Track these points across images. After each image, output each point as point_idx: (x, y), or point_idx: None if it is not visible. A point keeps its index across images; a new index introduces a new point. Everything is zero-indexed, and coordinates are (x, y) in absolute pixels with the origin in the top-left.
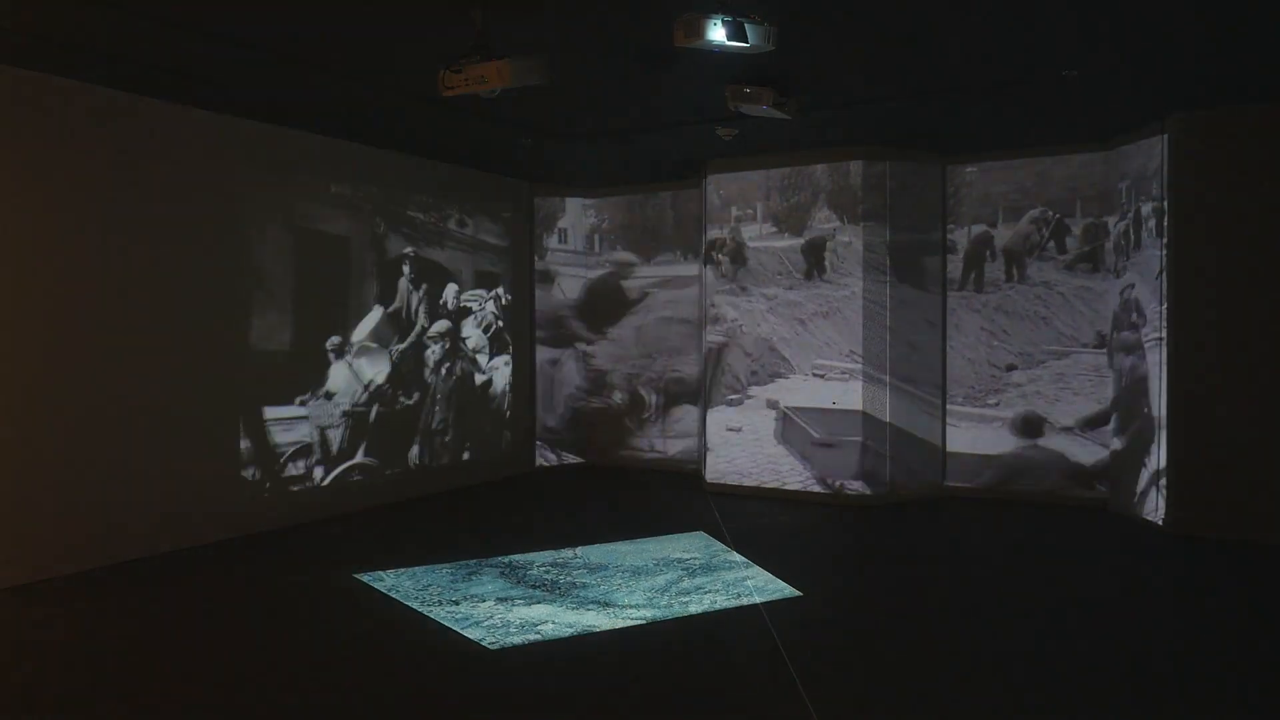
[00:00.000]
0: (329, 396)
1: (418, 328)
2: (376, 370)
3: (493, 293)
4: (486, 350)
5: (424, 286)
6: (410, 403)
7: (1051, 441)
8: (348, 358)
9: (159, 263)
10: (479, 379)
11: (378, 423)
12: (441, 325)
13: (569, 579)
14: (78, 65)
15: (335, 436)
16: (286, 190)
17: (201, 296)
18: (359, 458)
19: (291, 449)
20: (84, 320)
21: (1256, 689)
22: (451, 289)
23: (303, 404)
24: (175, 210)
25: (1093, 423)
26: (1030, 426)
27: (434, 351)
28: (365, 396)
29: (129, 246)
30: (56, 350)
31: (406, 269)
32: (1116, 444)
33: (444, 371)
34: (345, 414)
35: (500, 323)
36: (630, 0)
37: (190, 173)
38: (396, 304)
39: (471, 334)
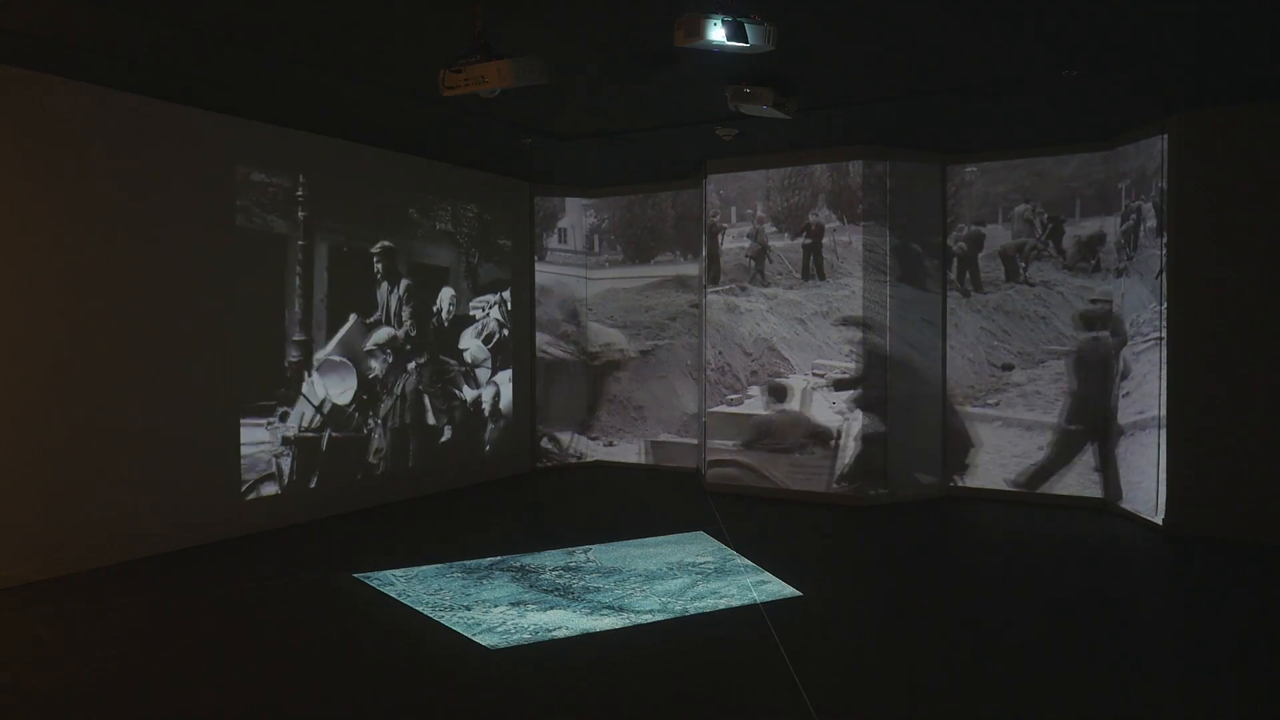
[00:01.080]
0: (283, 418)
1: (401, 332)
2: (340, 389)
3: (498, 296)
4: (489, 363)
5: (404, 284)
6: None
7: (794, 405)
8: (308, 375)
9: (160, 264)
10: (469, 395)
11: (330, 452)
12: (383, 334)
13: (582, 583)
14: (78, 65)
15: (285, 466)
16: (286, 191)
17: (201, 298)
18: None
19: (255, 477)
20: (84, 321)
21: (1256, 689)
22: (447, 294)
23: (269, 426)
24: (175, 211)
25: (844, 385)
26: (778, 393)
27: (375, 366)
28: (318, 420)
29: (130, 247)
30: (56, 350)
31: (378, 266)
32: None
33: (389, 392)
34: (288, 440)
35: (505, 331)
36: (630, 0)
37: (190, 173)
38: (379, 314)
39: (470, 344)
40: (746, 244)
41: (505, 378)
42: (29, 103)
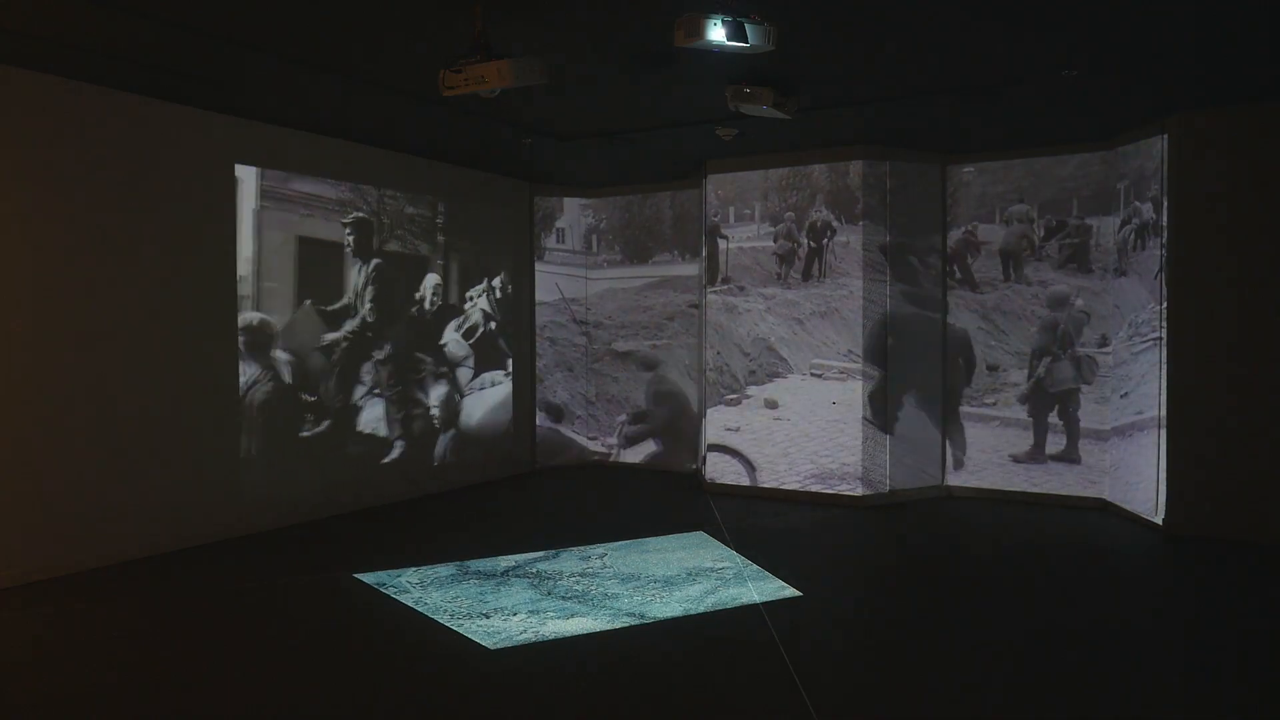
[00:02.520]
0: None
1: (356, 321)
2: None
3: (486, 284)
4: (470, 361)
5: (374, 263)
6: (321, 431)
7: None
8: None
9: (158, 262)
10: (432, 398)
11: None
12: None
13: (601, 589)
14: (78, 65)
15: None
16: (285, 190)
17: (201, 296)
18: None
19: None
20: (83, 320)
21: (1256, 689)
22: (431, 280)
23: None
24: (175, 210)
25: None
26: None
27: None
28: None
29: (129, 246)
30: (55, 351)
31: (349, 239)
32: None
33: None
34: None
35: (492, 324)
36: (630, 0)
37: (190, 172)
38: (346, 299)
39: (449, 339)
40: (774, 244)
41: (490, 379)
42: (29, 103)
